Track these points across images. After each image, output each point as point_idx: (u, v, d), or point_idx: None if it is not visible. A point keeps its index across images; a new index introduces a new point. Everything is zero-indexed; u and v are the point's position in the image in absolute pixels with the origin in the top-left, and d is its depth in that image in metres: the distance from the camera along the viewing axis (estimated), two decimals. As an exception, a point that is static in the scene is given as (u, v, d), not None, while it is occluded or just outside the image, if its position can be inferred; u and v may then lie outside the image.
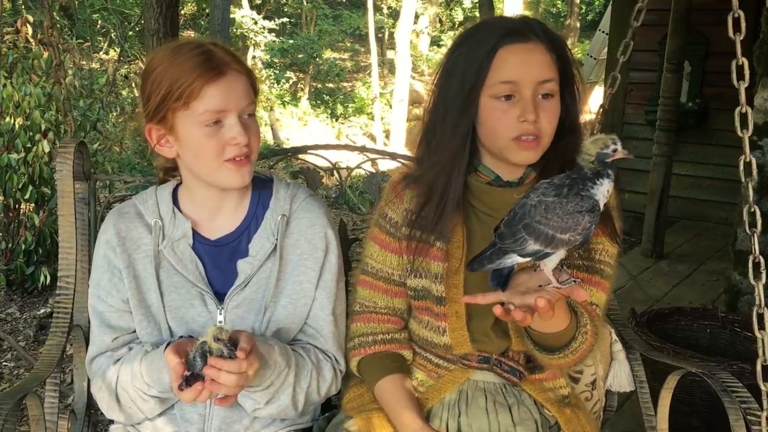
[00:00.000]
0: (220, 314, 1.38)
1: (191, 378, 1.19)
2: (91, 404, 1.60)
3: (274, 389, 1.33)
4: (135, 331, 1.40)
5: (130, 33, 10.13)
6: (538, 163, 1.33)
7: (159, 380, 1.31)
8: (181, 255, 1.39)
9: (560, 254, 1.13)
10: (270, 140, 12.29)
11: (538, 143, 1.28)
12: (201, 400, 1.20)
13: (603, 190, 1.11)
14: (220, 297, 1.39)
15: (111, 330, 1.40)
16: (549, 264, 1.13)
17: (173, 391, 1.24)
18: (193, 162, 1.35)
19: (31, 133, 3.93)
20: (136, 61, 10.32)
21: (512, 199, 1.21)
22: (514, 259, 1.13)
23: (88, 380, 1.59)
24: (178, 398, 1.36)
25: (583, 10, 18.42)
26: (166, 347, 1.26)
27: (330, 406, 1.62)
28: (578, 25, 17.95)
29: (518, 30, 1.28)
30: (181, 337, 1.33)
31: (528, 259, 1.13)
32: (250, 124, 1.34)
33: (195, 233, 1.41)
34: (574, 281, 1.14)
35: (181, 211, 1.43)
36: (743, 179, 1.31)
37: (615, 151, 1.10)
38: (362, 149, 1.96)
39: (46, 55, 4.06)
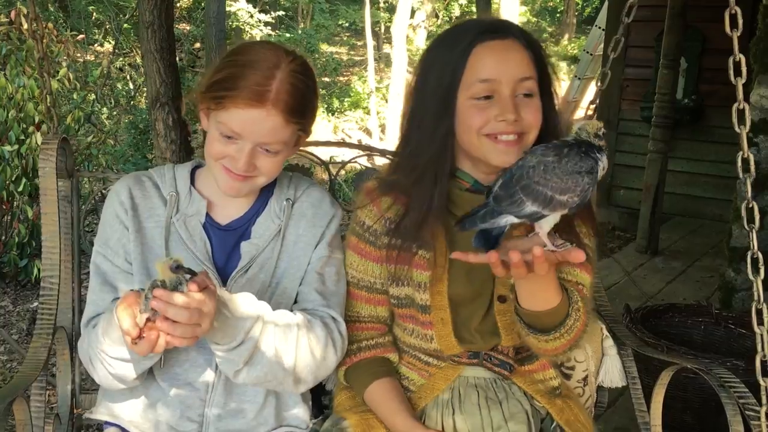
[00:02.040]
0: None
1: (150, 321, 1.12)
2: (74, 407, 1.57)
3: (252, 345, 1.24)
4: None
5: (125, 25, 10.06)
6: None
7: (117, 339, 1.23)
8: (191, 231, 1.39)
9: (555, 217, 1.13)
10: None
11: (518, 143, 1.26)
12: (158, 350, 1.15)
13: (604, 162, 1.12)
14: (223, 279, 1.39)
15: (113, 290, 1.38)
16: (544, 226, 1.13)
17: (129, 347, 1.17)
18: (205, 148, 1.36)
19: (24, 126, 3.91)
20: (131, 53, 10.26)
21: None
22: (509, 220, 1.12)
23: (72, 383, 1.57)
24: (147, 364, 1.30)
25: (580, 6, 18.38)
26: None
27: (324, 407, 1.61)
28: (575, 20, 17.93)
29: (494, 27, 1.27)
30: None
31: (522, 220, 1.12)
32: (267, 156, 1.32)
33: (206, 215, 1.41)
34: (570, 244, 1.13)
35: (197, 191, 1.43)
36: (741, 175, 1.31)
37: (604, 134, 1.13)
38: (343, 144, 1.93)
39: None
